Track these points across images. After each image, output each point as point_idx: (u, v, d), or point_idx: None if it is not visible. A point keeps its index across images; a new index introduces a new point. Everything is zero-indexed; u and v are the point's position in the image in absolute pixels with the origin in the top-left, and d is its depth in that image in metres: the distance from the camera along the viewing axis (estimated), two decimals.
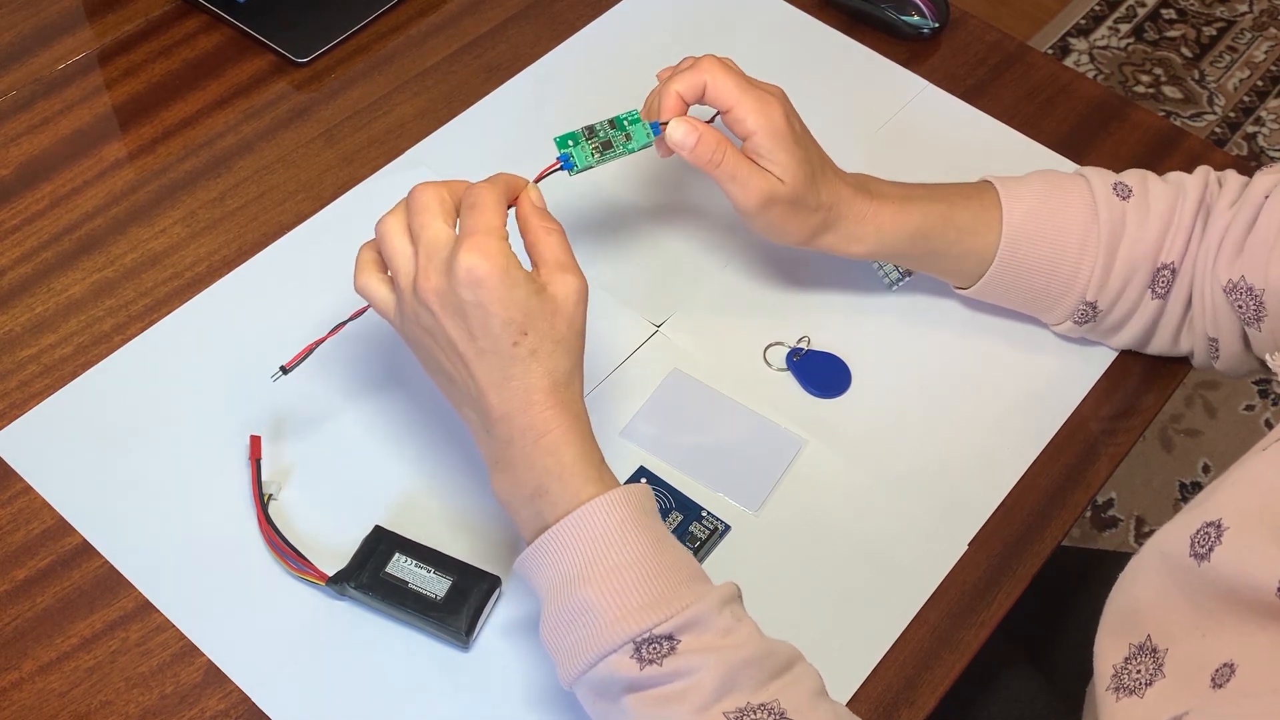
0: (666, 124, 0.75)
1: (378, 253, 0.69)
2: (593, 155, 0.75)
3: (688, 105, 0.76)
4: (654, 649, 0.60)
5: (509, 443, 0.65)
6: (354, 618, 0.72)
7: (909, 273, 0.86)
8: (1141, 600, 0.66)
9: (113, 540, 0.74)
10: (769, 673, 0.60)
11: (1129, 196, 0.79)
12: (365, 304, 0.71)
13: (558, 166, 0.74)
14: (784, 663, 0.61)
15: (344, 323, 0.73)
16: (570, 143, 0.75)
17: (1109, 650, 0.66)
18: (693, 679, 0.59)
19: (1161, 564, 0.65)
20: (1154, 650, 0.63)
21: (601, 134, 0.75)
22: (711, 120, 0.77)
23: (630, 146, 0.75)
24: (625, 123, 0.75)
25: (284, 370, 0.73)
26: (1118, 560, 1.01)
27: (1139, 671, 0.63)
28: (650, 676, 0.60)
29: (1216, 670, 0.57)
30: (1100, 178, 0.80)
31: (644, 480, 0.78)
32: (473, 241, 0.64)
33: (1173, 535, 0.64)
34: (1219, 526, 0.60)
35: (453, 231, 0.66)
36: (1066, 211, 0.79)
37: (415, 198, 0.67)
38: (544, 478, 0.64)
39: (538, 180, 0.72)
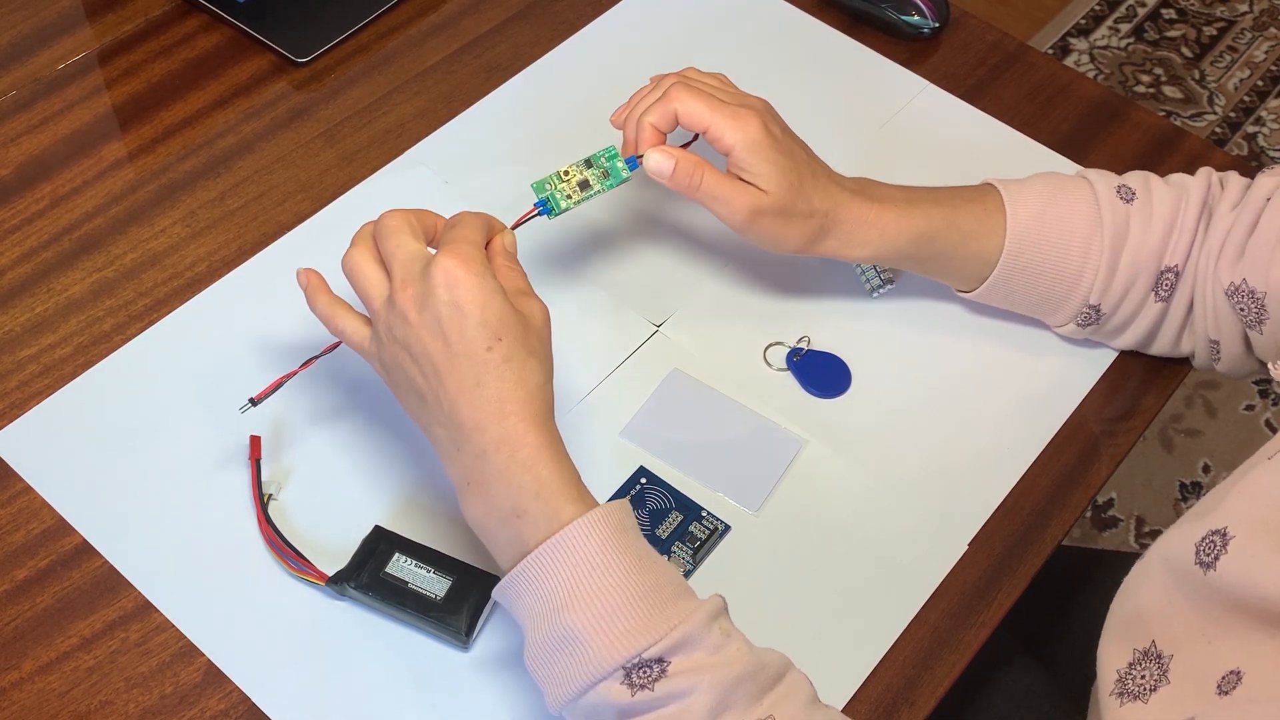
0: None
1: (332, 295, 0.70)
2: (569, 197, 0.76)
3: (664, 134, 0.77)
4: (644, 673, 0.59)
5: (481, 458, 0.63)
6: (354, 618, 0.72)
7: (891, 280, 0.86)
8: (1146, 606, 0.65)
9: (113, 540, 0.74)
10: (761, 687, 0.60)
11: (1132, 199, 0.79)
12: (336, 340, 0.72)
13: (536, 213, 0.76)
14: (775, 675, 0.61)
15: (314, 358, 0.74)
16: (548, 187, 0.76)
17: (1113, 655, 0.66)
18: (686, 701, 0.59)
19: (1166, 571, 0.65)
20: (1159, 656, 0.63)
21: (578, 174, 0.76)
22: (692, 142, 0.78)
23: (608, 184, 0.77)
24: (602, 159, 0.77)
25: (253, 402, 0.73)
26: (1121, 560, 1.01)
27: (1143, 677, 0.63)
28: (643, 702, 0.59)
29: (1223, 678, 0.57)
30: (1104, 180, 0.80)
31: (643, 481, 0.78)
32: (452, 248, 0.64)
33: (1177, 542, 0.64)
34: (1225, 535, 0.60)
35: (427, 250, 0.66)
36: (1071, 215, 0.79)
37: (384, 223, 0.67)
38: (520, 497, 0.63)
39: (514, 227, 0.73)
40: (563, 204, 0.76)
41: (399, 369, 0.66)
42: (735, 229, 0.77)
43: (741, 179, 0.76)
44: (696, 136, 0.78)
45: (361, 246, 0.68)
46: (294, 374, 0.74)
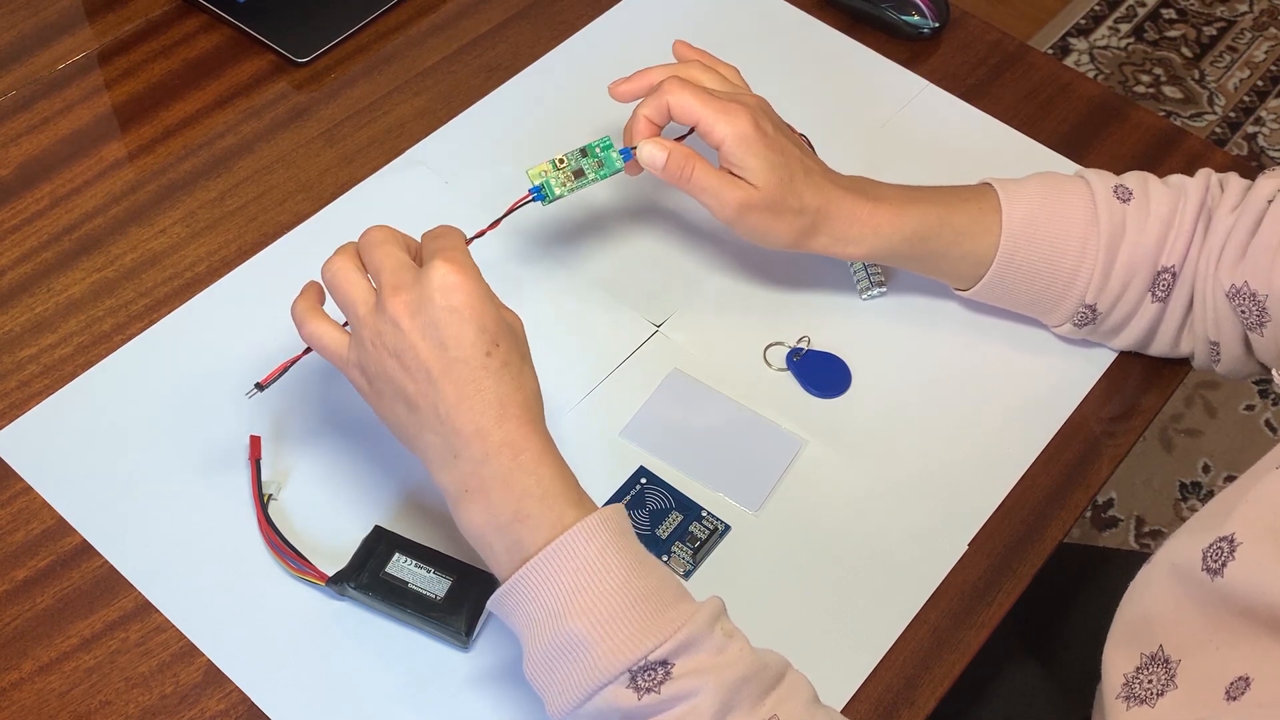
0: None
1: (316, 302, 0.70)
2: (564, 185, 0.77)
3: (660, 127, 0.78)
4: (649, 676, 0.59)
5: (482, 463, 0.63)
6: (354, 618, 0.72)
7: (882, 284, 0.86)
8: (1153, 611, 0.65)
9: (113, 540, 0.74)
10: (764, 687, 0.60)
11: (1130, 199, 0.79)
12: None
13: (530, 199, 0.77)
14: (776, 674, 0.61)
15: None
16: (543, 174, 0.77)
17: (1119, 659, 0.66)
18: (691, 703, 0.59)
19: (1173, 576, 0.65)
20: (1166, 661, 0.62)
21: (572, 163, 0.78)
22: (686, 135, 0.79)
23: (602, 173, 0.78)
24: (597, 149, 0.78)
25: (259, 387, 0.72)
26: (1122, 558, 1.01)
27: (1150, 681, 0.63)
28: (649, 705, 0.59)
29: (1231, 683, 0.57)
30: (1101, 180, 0.80)
31: (643, 481, 0.78)
32: (448, 255, 0.64)
33: (1184, 548, 0.64)
34: (1232, 542, 0.60)
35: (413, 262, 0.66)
36: (1067, 214, 0.79)
37: (370, 235, 0.67)
38: (524, 500, 0.62)
39: (508, 213, 0.76)
40: (557, 190, 0.77)
41: (386, 378, 0.65)
42: (725, 222, 0.78)
43: (732, 174, 0.76)
44: (691, 130, 0.78)
45: (344, 255, 0.68)
46: (298, 359, 0.73)
